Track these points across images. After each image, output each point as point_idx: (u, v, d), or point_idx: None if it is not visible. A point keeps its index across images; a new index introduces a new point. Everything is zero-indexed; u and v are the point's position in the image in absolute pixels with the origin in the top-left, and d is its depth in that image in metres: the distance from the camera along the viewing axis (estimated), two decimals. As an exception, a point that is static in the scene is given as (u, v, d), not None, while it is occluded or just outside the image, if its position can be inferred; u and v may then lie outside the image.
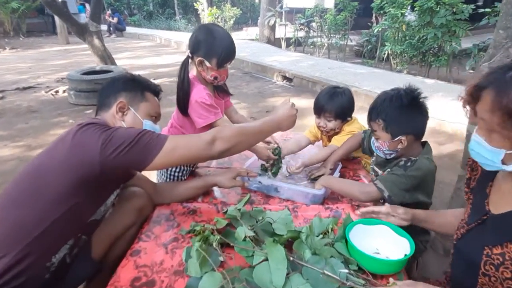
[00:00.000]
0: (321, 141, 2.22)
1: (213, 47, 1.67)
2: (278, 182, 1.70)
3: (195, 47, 1.70)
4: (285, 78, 6.94)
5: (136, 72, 1.69)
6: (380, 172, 1.65)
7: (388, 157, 1.54)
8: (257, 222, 1.30)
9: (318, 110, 1.97)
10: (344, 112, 1.96)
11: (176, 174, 1.84)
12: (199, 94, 1.70)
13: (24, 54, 10.35)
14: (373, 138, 1.56)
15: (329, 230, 1.24)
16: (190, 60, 1.73)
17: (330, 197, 1.71)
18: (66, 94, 5.64)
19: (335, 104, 1.91)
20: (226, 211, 1.41)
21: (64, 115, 4.86)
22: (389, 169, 1.58)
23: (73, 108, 5.11)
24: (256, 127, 1.40)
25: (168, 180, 1.85)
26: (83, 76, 5.20)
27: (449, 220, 1.30)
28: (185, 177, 1.88)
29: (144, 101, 1.46)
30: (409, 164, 1.47)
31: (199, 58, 1.69)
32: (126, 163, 1.20)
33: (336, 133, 2.03)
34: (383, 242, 1.24)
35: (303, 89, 6.33)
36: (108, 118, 1.40)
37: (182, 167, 1.85)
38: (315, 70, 6.90)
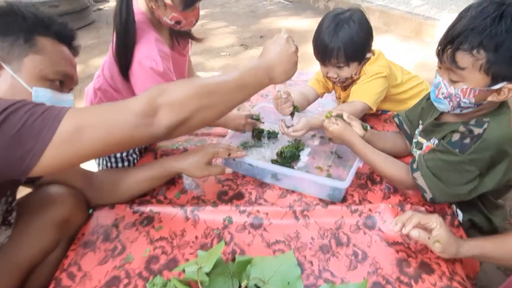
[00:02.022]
0: (333, 92, 1.57)
1: None
2: (279, 167, 1.12)
3: None
4: (282, -8, 5.86)
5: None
6: (425, 143, 1.06)
7: (455, 111, 0.92)
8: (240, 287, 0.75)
9: (321, 55, 1.28)
10: (359, 50, 1.27)
11: (123, 155, 1.24)
12: (147, 51, 1.02)
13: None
14: (437, 79, 0.92)
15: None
16: None
17: (355, 183, 1.14)
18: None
19: (342, 41, 1.22)
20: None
21: (15, 48, 4.01)
22: (437, 141, 1.00)
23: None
24: (230, 80, 0.81)
25: (111, 166, 1.25)
26: (32, -2, 4.20)
27: None
28: (138, 159, 1.28)
29: (32, 54, 0.80)
30: (468, 140, 0.88)
31: None
32: None
33: (355, 80, 1.39)
34: None
35: (304, 6, 5.33)
36: None
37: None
38: (317, -20, 5.75)
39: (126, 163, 1.25)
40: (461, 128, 0.91)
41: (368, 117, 1.47)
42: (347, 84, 1.41)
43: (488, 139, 0.86)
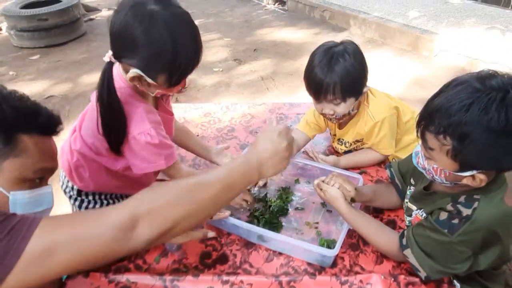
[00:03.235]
0: (328, 130, 1.51)
1: (162, 58, 0.87)
2: (265, 230, 1.04)
3: (123, 49, 0.89)
4: (277, 0, 5.78)
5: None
6: (414, 211, 1.01)
7: (437, 181, 0.88)
8: None
9: (316, 91, 1.20)
10: (355, 84, 1.19)
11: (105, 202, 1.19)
12: (141, 127, 0.98)
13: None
14: (417, 148, 0.88)
15: None
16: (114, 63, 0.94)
17: (346, 243, 1.08)
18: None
19: (338, 75, 1.15)
20: None
21: (4, 63, 3.92)
22: (425, 214, 0.95)
23: (17, 52, 4.14)
24: (218, 181, 0.75)
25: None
26: (22, 11, 4.10)
27: None
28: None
29: (12, 157, 0.75)
30: (456, 220, 0.82)
31: (134, 73, 0.89)
32: None
33: (352, 117, 1.32)
34: None
35: (299, 15, 5.26)
36: None
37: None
38: (313, -12, 5.68)
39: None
40: (449, 207, 0.85)
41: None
42: (344, 121, 1.34)
43: (478, 221, 0.79)
